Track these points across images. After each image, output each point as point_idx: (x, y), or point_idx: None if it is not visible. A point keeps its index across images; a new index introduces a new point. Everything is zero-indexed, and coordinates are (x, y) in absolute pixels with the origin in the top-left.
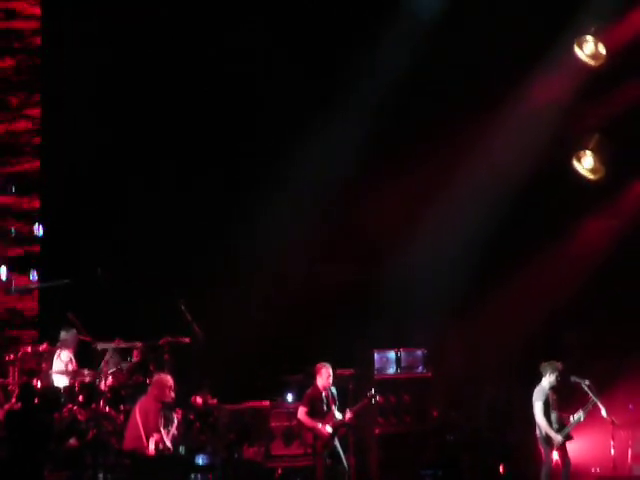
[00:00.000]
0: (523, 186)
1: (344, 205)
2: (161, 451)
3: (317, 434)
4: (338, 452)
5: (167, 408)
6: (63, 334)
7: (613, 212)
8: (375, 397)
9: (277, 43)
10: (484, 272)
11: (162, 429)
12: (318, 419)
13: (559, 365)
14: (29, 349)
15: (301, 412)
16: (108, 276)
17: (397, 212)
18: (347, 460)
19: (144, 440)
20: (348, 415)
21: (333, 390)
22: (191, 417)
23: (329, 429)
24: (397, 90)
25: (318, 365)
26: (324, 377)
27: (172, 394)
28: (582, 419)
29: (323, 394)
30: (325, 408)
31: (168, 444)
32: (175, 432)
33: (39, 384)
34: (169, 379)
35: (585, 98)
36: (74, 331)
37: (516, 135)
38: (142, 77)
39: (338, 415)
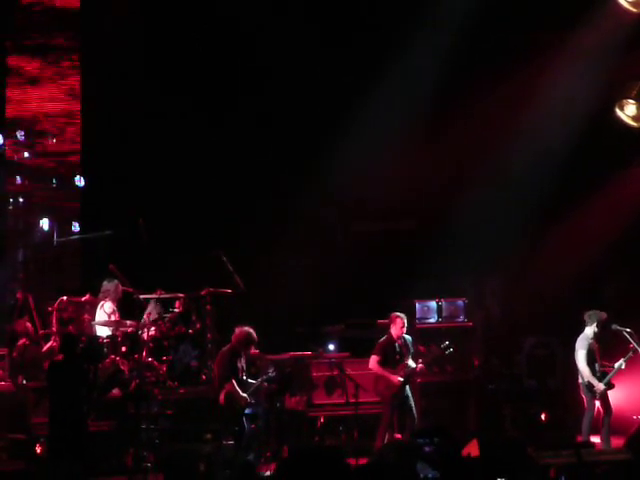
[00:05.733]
0: (566, 138)
1: (384, 158)
2: (232, 400)
3: (388, 383)
4: (409, 402)
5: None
6: (105, 284)
7: None
8: (449, 348)
9: None
10: (524, 222)
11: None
12: (390, 368)
13: (603, 315)
14: (65, 298)
15: (373, 360)
16: (150, 227)
17: (437, 165)
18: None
19: (218, 390)
20: (420, 365)
21: (408, 339)
22: None
23: (400, 378)
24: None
25: (392, 315)
26: (398, 326)
27: (251, 348)
28: (623, 367)
29: (396, 343)
30: (398, 357)
31: (241, 393)
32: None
33: (77, 333)
34: (248, 332)
35: (627, 46)
36: (117, 282)
37: (562, 85)
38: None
39: (411, 364)
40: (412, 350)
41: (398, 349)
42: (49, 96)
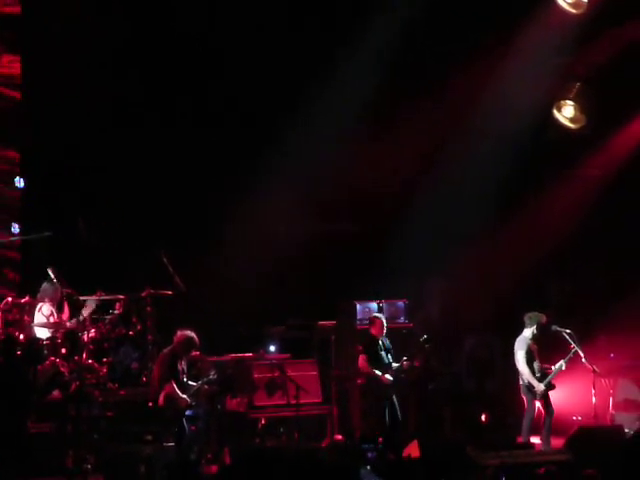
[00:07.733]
0: (513, 138)
1: (328, 159)
2: (172, 402)
3: (378, 383)
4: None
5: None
6: (45, 286)
7: (595, 162)
8: (428, 342)
9: None
10: (468, 223)
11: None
12: (378, 368)
13: (543, 317)
14: (10, 299)
15: (362, 360)
16: (89, 228)
17: (381, 166)
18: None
19: (158, 391)
20: (405, 363)
21: (387, 341)
22: None
23: (390, 377)
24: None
25: (371, 316)
26: (377, 327)
27: (192, 352)
28: (563, 368)
29: (380, 341)
30: (383, 355)
31: (181, 395)
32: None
33: (21, 336)
34: (189, 337)
35: (567, 47)
36: (56, 284)
37: (510, 85)
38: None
39: (395, 365)
40: (392, 352)
41: (382, 348)
42: None
